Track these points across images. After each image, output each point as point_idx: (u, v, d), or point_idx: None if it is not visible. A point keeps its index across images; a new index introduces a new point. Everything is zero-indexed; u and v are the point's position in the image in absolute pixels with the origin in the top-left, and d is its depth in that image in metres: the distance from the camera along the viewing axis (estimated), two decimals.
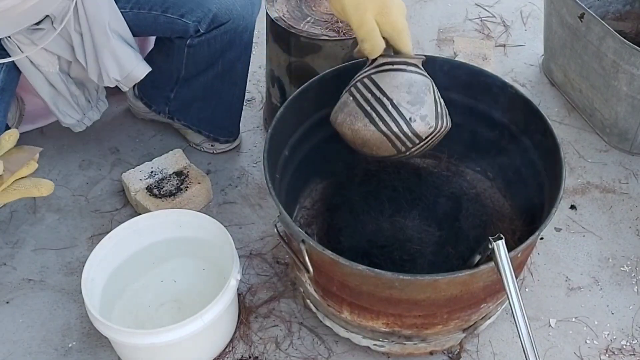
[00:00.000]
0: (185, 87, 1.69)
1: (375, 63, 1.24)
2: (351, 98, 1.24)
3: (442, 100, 1.28)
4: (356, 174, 1.53)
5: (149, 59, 1.75)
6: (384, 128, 1.21)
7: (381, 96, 1.21)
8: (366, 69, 1.26)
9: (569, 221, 1.66)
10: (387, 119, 1.20)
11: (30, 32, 1.37)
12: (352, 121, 1.23)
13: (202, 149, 1.84)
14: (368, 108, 1.21)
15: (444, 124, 1.26)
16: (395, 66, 1.22)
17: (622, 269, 1.56)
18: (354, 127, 1.23)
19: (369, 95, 1.22)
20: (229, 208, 1.70)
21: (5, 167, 1.08)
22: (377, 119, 1.21)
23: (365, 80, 1.23)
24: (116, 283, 1.42)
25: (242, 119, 1.81)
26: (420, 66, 1.27)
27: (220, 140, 1.82)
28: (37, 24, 1.37)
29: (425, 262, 1.36)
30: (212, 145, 1.83)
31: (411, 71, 1.23)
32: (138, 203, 1.63)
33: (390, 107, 1.20)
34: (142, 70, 1.55)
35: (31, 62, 1.44)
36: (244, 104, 1.79)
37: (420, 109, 1.21)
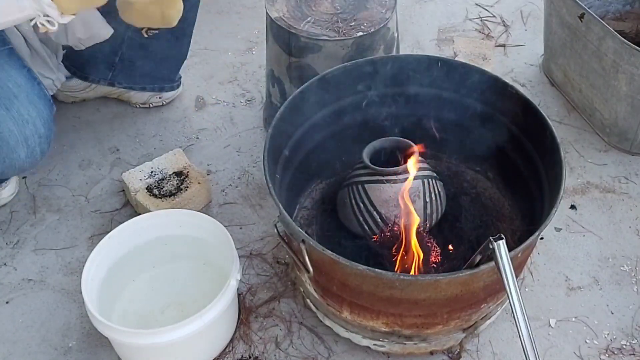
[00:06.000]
0: (134, 46, 1.71)
1: (369, 170, 1.38)
2: (347, 200, 1.42)
3: (433, 195, 1.39)
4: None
5: None
6: (374, 234, 1.39)
7: (372, 209, 1.37)
8: (361, 171, 1.40)
9: (569, 221, 1.66)
10: (376, 230, 1.38)
11: None
12: (349, 225, 1.43)
13: (151, 105, 1.89)
14: (361, 219, 1.39)
15: (432, 221, 1.41)
16: (386, 177, 1.36)
17: (622, 268, 1.56)
18: (351, 227, 1.43)
19: (361, 205, 1.39)
20: (229, 208, 1.70)
21: None
22: (367, 230, 1.38)
23: (359, 187, 1.39)
24: (116, 283, 1.42)
25: (241, 117, 1.82)
26: (415, 165, 1.37)
27: (166, 88, 1.85)
28: None
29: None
30: (159, 98, 1.87)
31: (400, 181, 1.36)
32: (138, 203, 1.63)
33: (379, 220, 1.37)
34: (106, 30, 1.57)
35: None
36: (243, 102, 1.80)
37: (407, 219, 1.34)
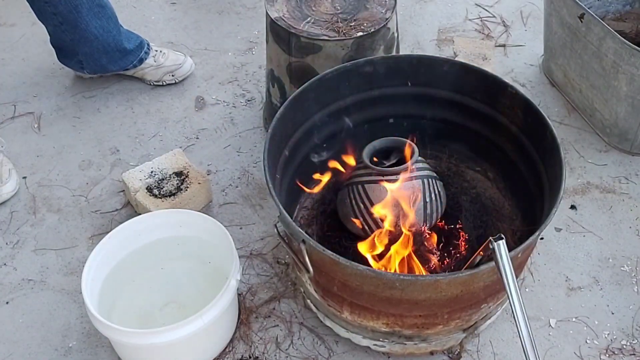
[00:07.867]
0: (84, 39, 1.80)
1: (369, 170, 1.38)
2: (347, 200, 1.42)
3: (433, 195, 1.39)
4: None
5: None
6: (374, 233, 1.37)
7: (372, 209, 1.36)
8: (361, 171, 1.40)
9: (569, 221, 1.66)
10: (376, 230, 1.36)
11: None
12: (349, 225, 1.42)
13: (164, 83, 1.94)
14: (361, 219, 1.39)
15: (432, 221, 1.41)
16: (386, 177, 1.36)
17: (622, 269, 1.56)
18: (351, 226, 1.42)
19: (361, 206, 1.38)
20: (229, 208, 1.70)
21: None
22: (367, 230, 1.38)
23: (359, 187, 1.39)
24: (116, 283, 1.42)
25: (241, 117, 1.81)
26: (414, 165, 1.38)
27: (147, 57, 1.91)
28: None
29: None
30: (172, 76, 1.92)
31: (400, 181, 1.36)
32: (138, 203, 1.63)
33: (379, 220, 1.36)
34: None
35: None
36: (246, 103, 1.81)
37: (407, 219, 1.34)
